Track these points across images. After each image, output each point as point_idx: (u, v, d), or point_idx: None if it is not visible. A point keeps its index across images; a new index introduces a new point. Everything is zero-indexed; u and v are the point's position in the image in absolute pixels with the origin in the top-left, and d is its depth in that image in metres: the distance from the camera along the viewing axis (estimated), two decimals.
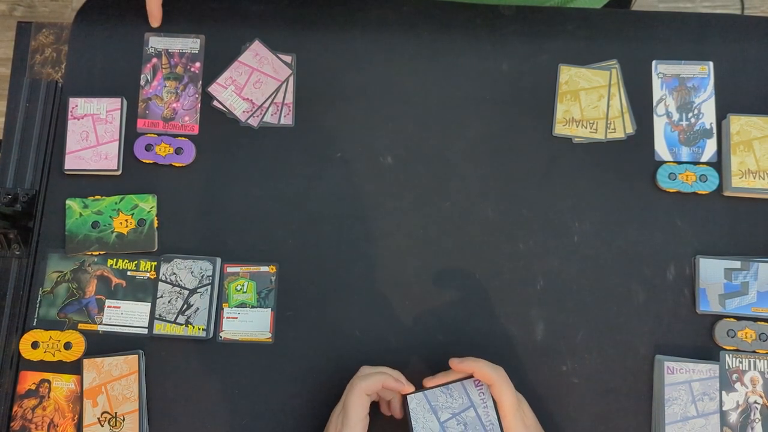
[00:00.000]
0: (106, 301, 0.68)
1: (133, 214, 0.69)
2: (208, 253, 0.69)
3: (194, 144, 0.71)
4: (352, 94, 0.72)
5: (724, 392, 0.64)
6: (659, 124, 0.71)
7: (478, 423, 0.57)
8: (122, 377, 0.65)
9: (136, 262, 0.69)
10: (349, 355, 0.67)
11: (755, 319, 0.66)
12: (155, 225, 0.69)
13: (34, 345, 0.66)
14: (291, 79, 0.73)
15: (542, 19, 0.74)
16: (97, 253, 0.69)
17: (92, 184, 0.70)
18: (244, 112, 0.72)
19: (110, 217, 0.69)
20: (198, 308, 0.67)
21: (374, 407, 0.63)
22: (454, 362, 0.58)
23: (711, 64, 0.72)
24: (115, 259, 0.69)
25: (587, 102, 0.71)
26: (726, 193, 0.69)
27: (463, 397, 0.58)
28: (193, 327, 0.67)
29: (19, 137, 0.72)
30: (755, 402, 0.64)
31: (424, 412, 0.58)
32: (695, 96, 0.71)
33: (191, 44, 0.73)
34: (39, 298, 0.68)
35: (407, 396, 0.58)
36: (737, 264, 0.67)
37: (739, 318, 0.66)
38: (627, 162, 0.70)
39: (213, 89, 0.72)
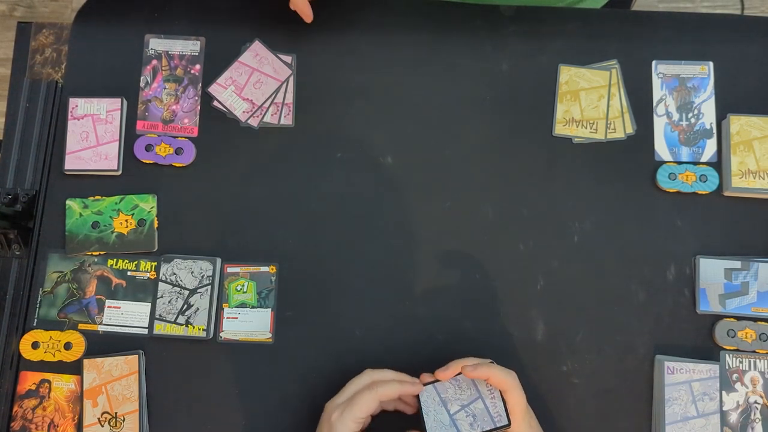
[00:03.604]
0: (107, 301, 0.68)
1: (133, 214, 0.69)
2: (208, 253, 0.69)
3: (194, 144, 0.71)
4: (352, 94, 0.72)
5: (724, 392, 0.64)
6: (659, 124, 0.71)
7: (487, 414, 0.58)
8: (122, 377, 0.65)
9: (136, 262, 0.69)
10: (350, 354, 0.67)
11: (755, 319, 0.66)
12: (155, 225, 0.69)
13: (35, 345, 0.66)
14: (291, 79, 0.73)
15: (542, 19, 0.74)
16: (97, 253, 0.69)
17: (92, 184, 0.70)
18: (244, 112, 0.72)
19: (110, 217, 0.69)
20: (198, 308, 0.67)
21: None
22: (467, 370, 0.57)
23: (711, 64, 0.72)
24: (115, 259, 0.69)
25: (587, 102, 0.71)
26: (726, 193, 0.69)
27: (471, 389, 0.59)
28: (194, 327, 0.67)
29: (19, 137, 0.72)
30: (755, 402, 0.64)
31: (435, 405, 0.58)
32: (695, 96, 0.71)
33: (191, 46, 0.73)
34: (39, 298, 0.68)
35: None
36: (737, 264, 0.67)
37: (739, 318, 0.66)
38: (627, 162, 0.70)
39: (213, 89, 0.72)
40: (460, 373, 0.59)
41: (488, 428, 0.57)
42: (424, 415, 0.58)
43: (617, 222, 0.69)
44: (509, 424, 0.57)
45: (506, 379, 0.57)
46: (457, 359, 0.60)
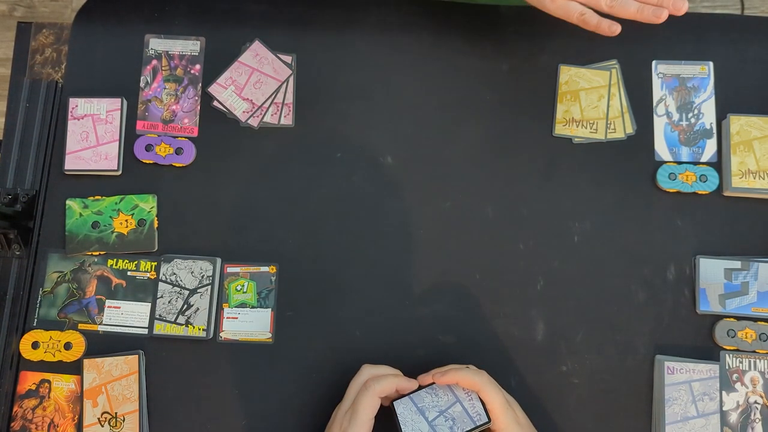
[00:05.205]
0: (107, 301, 0.68)
1: (133, 214, 0.69)
2: (208, 253, 0.69)
3: (194, 144, 0.71)
4: (352, 94, 0.72)
5: (724, 392, 0.64)
6: (659, 124, 0.71)
7: (465, 416, 0.58)
8: (122, 377, 0.65)
9: (136, 262, 0.69)
10: (349, 355, 0.67)
11: (755, 319, 0.66)
12: (155, 225, 0.69)
13: (35, 345, 0.66)
14: (291, 79, 0.73)
15: (542, 19, 0.73)
16: (97, 253, 0.69)
17: (92, 184, 0.70)
18: (244, 112, 0.72)
19: (110, 217, 0.69)
20: (198, 308, 0.67)
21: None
22: (436, 377, 0.58)
23: (711, 64, 0.72)
24: (115, 259, 0.69)
25: (587, 102, 0.71)
26: (726, 193, 0.69)
27: (448, 395, 0.59)
28: (193, 327, 0.67)
29: (19, 137, 0.72)
30: (755, 402, 0.64)
31: (412, 415, 0.58)
32: (695, 96, 0.71)
33: (191, 46, 0.73)
34: (39, 298, 0.68)
35: (393, 402, 0.59)
36: (737, 264, 0.67)
37: (739, 318, 0.66)
38: (627, 162, 0.70)
39: (213, 89, 0.72)
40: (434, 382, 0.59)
41: (468, 428, 0.57)
42: (402, 426, 0.58)
43: (617, 222, 0.69)
44: (489, 421, 0.57)
45: (475, 380, 0.57)
46: (434, 369, 0.60)
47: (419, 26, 0.74)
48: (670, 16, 0.74)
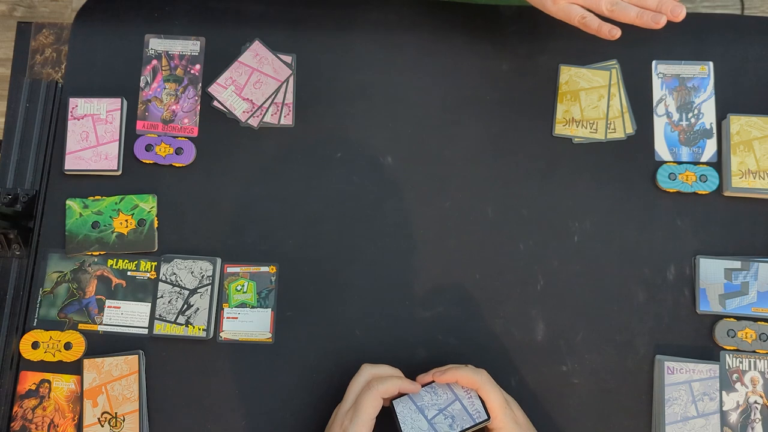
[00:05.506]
0: (107, 301, 0.68)
1: (133, 214, 0.69)
2: (208, 253, 0.69)
3: (194, 144, 0.71)
4: (352, 94, 0.72)
5: (724, 392, 0.64)
6: (659, 124, 0.71)
7: (465, 413, 0.58)
8: (122, 377, 0.65)
9: (136, 262, 0.69)
10: (349, 355, 0.67)
11: (755, 319, 0.66)
12: (155, 225, 0.69)
13: (35, 345, 0.66)
14: (291, 79, 0.73)
15: (542, 19, 0.74)
16: (97, 253, 0.69)
17: (92, 184, 0.71)
18: (244, 112, 0.72)
19: (110, 217, 0.69)
20: (198, 308, 0.67)
21: None
22: (437, 376, 0.59)
23: (711, 64, 0.72)
24: (115, 259, 0.69)
25: (587, 102, 0.71)
26: (726, 193, 0.69)
27: (447, 393, 0.59)
28: (194, 327, 0.67)
29: (19, 137, 0.72)
30: (755, 402, 0.64)
31: (411, 413, 0.58)
32: (695, 96, 0.71)
33: (191, 46, 0.73)
34: (39, 298, 0.68)
35: (393, 401, 0.59)
36: (737, 264, 0.67)
37: (739, 318, 0.66)
38: (627, 162, 0.70)
39: (213, 89, 0.72)
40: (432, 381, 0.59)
41: (468, 426, 0.58)
42: (401, 425, 0.58)
43: (617, 222, 0.69)
44: (489, 419, 0.58)
45: (475, 378, 0.58)
46: (434, 368, 0.61)
47: (419, 26, 0.74)
48: None
